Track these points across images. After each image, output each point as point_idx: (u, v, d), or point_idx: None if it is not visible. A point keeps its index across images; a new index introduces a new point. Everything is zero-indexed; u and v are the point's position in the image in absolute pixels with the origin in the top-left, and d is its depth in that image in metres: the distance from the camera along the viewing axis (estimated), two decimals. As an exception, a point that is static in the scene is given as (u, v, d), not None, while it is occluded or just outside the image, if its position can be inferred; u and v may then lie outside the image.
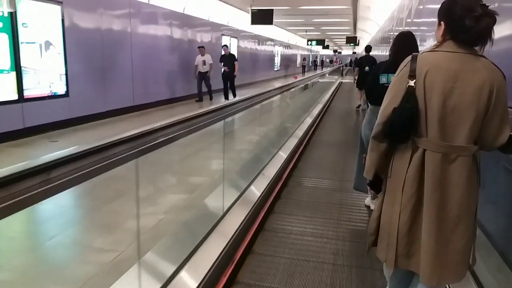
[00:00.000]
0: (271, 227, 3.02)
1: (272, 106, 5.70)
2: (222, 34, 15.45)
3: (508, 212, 1.93)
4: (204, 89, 11.52)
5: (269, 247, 2.70)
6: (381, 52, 15.11)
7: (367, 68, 8.45)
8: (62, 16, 7.12)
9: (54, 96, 7.11)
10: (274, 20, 19.29)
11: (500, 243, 1.99)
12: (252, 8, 13.01)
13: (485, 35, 1.39)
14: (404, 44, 2.72)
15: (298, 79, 6.69)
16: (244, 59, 18.53)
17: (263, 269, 2.41)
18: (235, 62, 11.36)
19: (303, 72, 28.80)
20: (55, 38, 7.01)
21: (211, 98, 11.41)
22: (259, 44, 21.62)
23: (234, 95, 11.18)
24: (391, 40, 11.95)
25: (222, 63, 11.45)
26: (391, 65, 2.49)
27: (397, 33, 2.91)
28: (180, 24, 11.85)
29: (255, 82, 20.28)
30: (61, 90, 7.26)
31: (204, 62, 11.10)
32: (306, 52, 42.33)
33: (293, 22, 19.71)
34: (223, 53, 11.87)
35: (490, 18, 1.37)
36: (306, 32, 25.73)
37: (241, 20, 16.77)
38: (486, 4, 1.39)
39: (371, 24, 19.03)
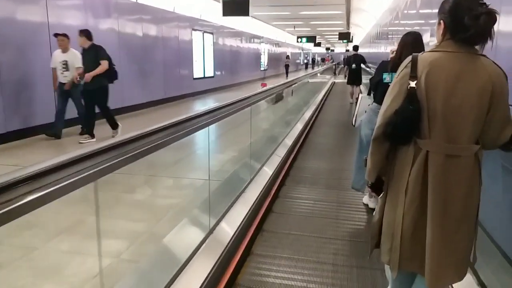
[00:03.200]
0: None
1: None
2: (193, 29, 13.13)
3: (509, 211, 1.93)
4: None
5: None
6: (378, 50, 12.98)
7: (353, 65, 9.45)
8: None
9: None
10: (257, 14, 17.09)
11: (502, 242, 1.98)
12: (224, -4, 10.69)
13: (485, 34, 1.38)
14: (410, 43, 2.69)
15: (266, 87, 4.47)
16: (222, 59, 16.21)
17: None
18: (102, 61, 5.97)
19: (287, 73, 25.36)
20: None
21: (86, 131, 6.19)
22: (241, 42, 19.30)
23: (112, 125, 6.35)
24: (392, 36, 9.94)
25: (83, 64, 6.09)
26: (395, 64, 2.24)
27: (404, 33, 2.82)
28: (131, 16, 9.51)
29: (236, 84, 17.99)
30: None
31: (64, 65, 5.99)
32: (297, 50, 40.12)
33: (279, 15, 17.40)
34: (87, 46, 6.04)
35: (490, 16, 1.35)
36: (294, 28, 23.40)
37: (220, 14, 14.47)
38: (486, 3, 1.38)
39: (366, 16, 16.79)
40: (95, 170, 1.30)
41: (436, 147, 1.45)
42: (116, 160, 1.43)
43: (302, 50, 44.37)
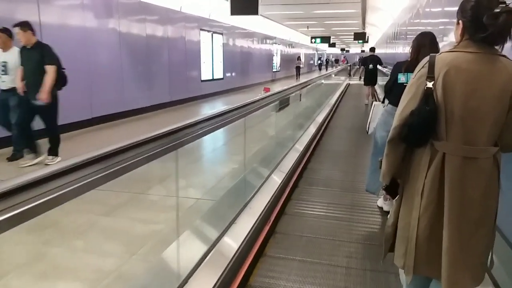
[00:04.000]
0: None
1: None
2: (201, 30, 12.65)
3: None
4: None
5: None
6: (395, 50, 12.27)
7: (371, 66, 9.76)
8: None
9: None
10: (269, 13, 16.51)
11: None
12: (232, -7, 10.16)
13: (505, 33, 1.35)
14: (425, 44, 2.64)
15: (268, 93, 3.89)
16: (232, 60, 15.70)
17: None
18: (48, 67, 4.50)
19: (297, 75, 24.13)
20: None
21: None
22: (252, 42, 18.76)
23: (53, 148, 4.89)
24: (412, 36, 9.27)
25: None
26: (411, 64, 2.40)
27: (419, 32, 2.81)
28: (134, 15, 9.07)
29: (248, 86, 17.47)
30: None
31: (3, 67, 4.71)
32: (311, 51, 39.36)
33: (291, 14, 16.77)
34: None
35: (509, 15, 1.31)
36: (308, 28, 22.70)
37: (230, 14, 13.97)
38: (506, 2, 1.34)
39: (382, 15, 16.04)
40: (63, 191, 1.08)
41: (453, 149, 1.43)
42: (91, 178, 1.21)
43: (317, 51, 43.56)
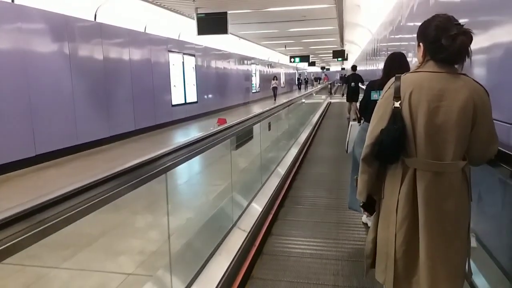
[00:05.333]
0: None
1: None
2: (170, 51, 11.81)
3: (506, 224, 1.92)
4: None
5: None
6: (376, 67, 11.70)
7: (353, 83, 10.21)
8: None
9: None
10: (244, 32, 15.83)
11: (498, 255, 1.97)
12: (198, 13, 9.38)
13: (462, 53, 1.45)
14: (394, 65, 2.79)
15: (223, 125, 2.99)
16: (207, 82, 14.87)
17: None
18: None
19: (274, 96, 22.74)
20: None
21: None
22: (229, 63, 18.04)
23: None
24: (389, 51, 8.76)
25: None
26: (383, 82, 2.17)
27: (390, 54, 2.96)
28: (88, 37, 8.16)
29: (225, 109, 16.62)
30: None
31: None
32: (291, 71, 39.02)
33: (267, 33, 16.12)
34: None
35: (465, 36, 1.42)
36: (285, 47, 22.17)
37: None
38: (461, 23, 1.45)
39: (361, 32, 15.57)
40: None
41: (422, 165, 1.48)
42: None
43: (297, 70, 43.32)
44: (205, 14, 9.33)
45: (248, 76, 21.66)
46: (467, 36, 1.40)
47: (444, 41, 1.41)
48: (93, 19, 8.36)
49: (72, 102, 7.57)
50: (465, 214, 1.52)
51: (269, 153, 4.77)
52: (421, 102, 1.45)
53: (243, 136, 3.27)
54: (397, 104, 1.47)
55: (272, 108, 4.42)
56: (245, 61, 21.02)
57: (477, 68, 2.41)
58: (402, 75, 1.53)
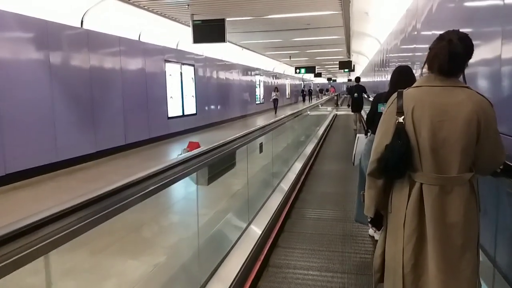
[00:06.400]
0: None
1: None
2: (166, 61, 11.19)
3: None
4: None
5: None
6: (385, 78, 10.98)
7: (356, 94, 10.78)
8: None
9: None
10: (247, 42, 15.21)
11: (504, 268, 1.96)
12: (194, 20, 8.74)
13: (461, 66, 1.49)
14: (402, 76, 2.85)
15: (196, 151, 2.30)
16: (207, 93, 14.23)
17: None
18: None
19: (275, 109, 20.91)
20: None
21: None
22: (231, 74, 17.41)
23: None
24: (396, 63, 8.08)
25: None
26: (389, 95, 2.18)
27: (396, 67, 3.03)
28: (72, 45, 7.54)
29: (227, 121, 15.93)
30: None
31: None
32: (297, 82, 38.32)
33: (271, 43, 15.48)
34: None
35: (447, 43, 1.47)
36: (290, 58, 21.50)
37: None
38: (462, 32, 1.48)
39: (369, 42, 14.88)
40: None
41: (428, 179, 1.48)
42: None
43: (303, 81, 42.62)
44: (202, 21, 8.70)
45: (251, 87, 21.01)
46: (451, 43, 1.44)
47: (433, 50, 1.50)
48: (79, 26, 7.75)
49: (52, 115, 6.91)
50: (474, 226, 1.51)
51: (258, 187, 3.94)
52: (424, 117, 1.46)
53: (220, 164, 2.54)
54: (401, 119, 1.49)
55: (264, 126, 3.65)
56: (249, 72, 20.39)
57: (482, 81, 2.39)
58: (404, 90, 1.55)
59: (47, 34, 6.83)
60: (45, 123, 6.79)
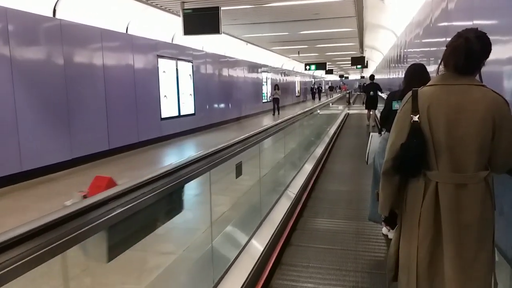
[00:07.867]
0: None
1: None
2: (159, 56, 10.16)
3: None
4: None
5: None
6: (399, 75, 9.76)
7: (371, 92, 11.21)
8: None
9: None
10: (247, 35, 14.04)
11: None
12: (185, 8, 7.67)
13: (478, 63, 1.48)
14: (416, 74, 2.80)
15: (92, 199, 1.29)
16: (208, 92, 13.18)
17: None
18: None
19: (274, 110, 18.48)
20: None
21: None
22: (235, 71, 16.31)
23: None
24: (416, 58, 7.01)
25: None
26: (404, 93, 2.32)
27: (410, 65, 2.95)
28: (40, 36, 6.55)
29: (229, 121, 14.89)
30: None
31: None
32: (307, 79, 36.97)
33: (276, 36, 14.31)
34: None
35: (464, 40, 1.45)
36: (299, 53, 20.27)
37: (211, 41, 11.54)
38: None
39: (384, 35, 13.60)
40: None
41: (444, 177, 1.47)
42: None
43: (314, 78, 41.22)
44: (193, 10, 7.64)
45: (258, 85, 19.88)
46: (467, 41, 1.43)
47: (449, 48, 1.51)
48: (51, 15, 6.76)
49: (14, 118, 5.94)
50: (489, 225, 1.48)
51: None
52: (439, 116, 1.46)
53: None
54: (416, 118, 1.48)
55: (242, 140, 2.53)
56: (255, 69, 19.25)
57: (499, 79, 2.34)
58: (419, 88, 1.54)
59: (7, 23, 5.84)
60: (5, 128, 5.82)
